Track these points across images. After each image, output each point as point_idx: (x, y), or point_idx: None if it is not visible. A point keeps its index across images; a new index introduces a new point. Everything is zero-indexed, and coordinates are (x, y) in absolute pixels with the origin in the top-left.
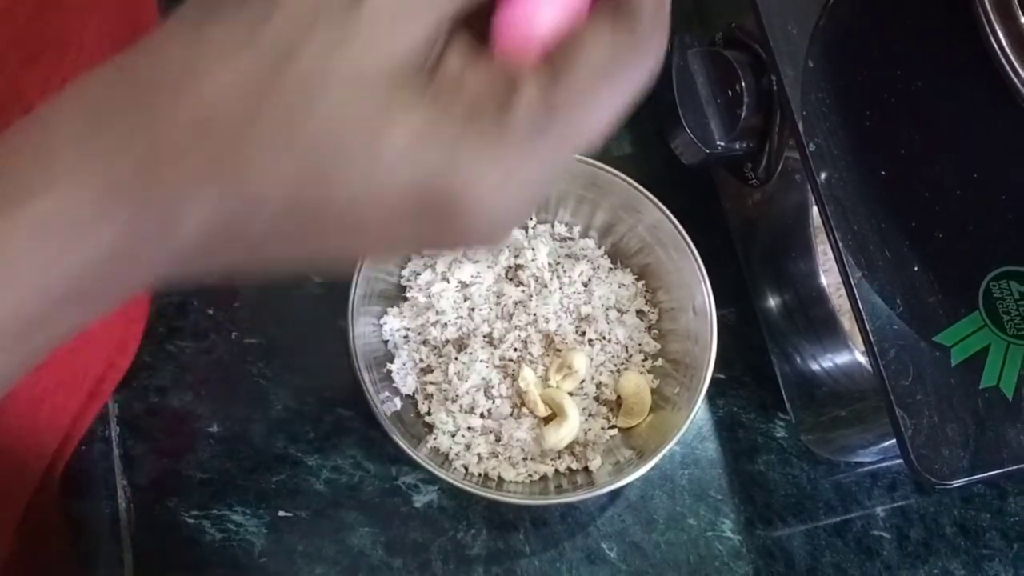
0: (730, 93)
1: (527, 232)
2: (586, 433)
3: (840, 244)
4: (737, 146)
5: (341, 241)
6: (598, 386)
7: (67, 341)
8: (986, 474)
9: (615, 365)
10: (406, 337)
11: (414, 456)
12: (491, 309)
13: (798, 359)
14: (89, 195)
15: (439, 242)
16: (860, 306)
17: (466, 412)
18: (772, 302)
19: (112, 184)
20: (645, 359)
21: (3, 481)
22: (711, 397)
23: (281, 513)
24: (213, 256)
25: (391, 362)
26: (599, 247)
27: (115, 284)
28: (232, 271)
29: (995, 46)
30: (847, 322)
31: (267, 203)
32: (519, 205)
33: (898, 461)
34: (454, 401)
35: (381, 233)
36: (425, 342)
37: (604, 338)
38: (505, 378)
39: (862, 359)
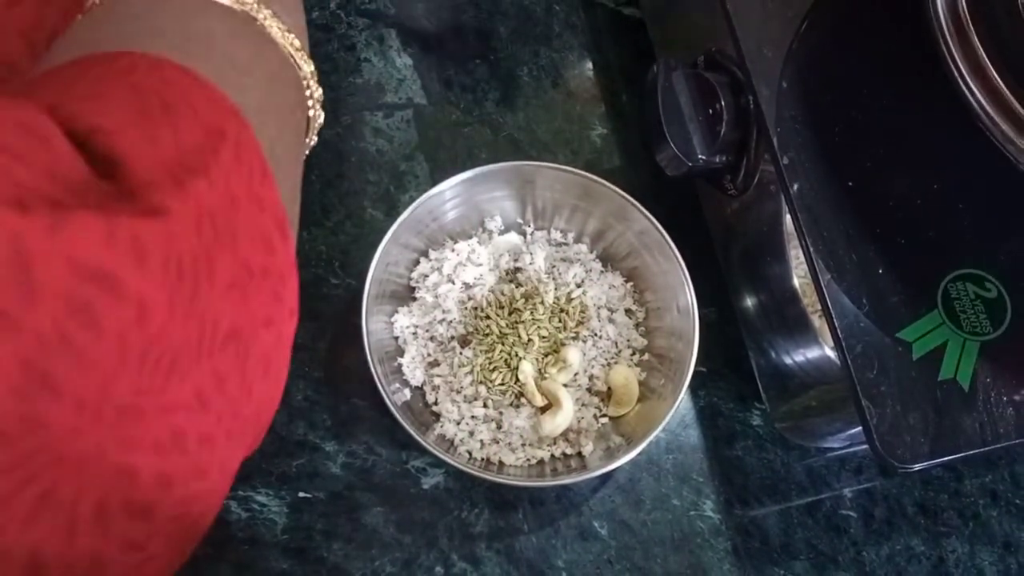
0: (711, 111)
1: (526, 238)
2: (579, 421)
3: (811, 249)
4: (717, 159)
5: None
6: (590, 378)
7: None
8: (944, 459)
9: (606, 359)
10: (415, 333)
11: (422, 442)
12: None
13: (773, 354)
14: None
15: None
16: (829, 305)
17: (470, 402)
18: (749, 302)
19: None
20: (633, 354)
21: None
22: (693, 388)
23: (301, 494)
24: None
25: (401, 356)
26: (591, 252)
27: None
28: None
29: (952, 67)
30: (817, 320)
31: None
32: None
33: (864, 447)
34: (459, 392)
35: None
36: (432, 338)
37: (596, 335)
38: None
39: (831, 354)
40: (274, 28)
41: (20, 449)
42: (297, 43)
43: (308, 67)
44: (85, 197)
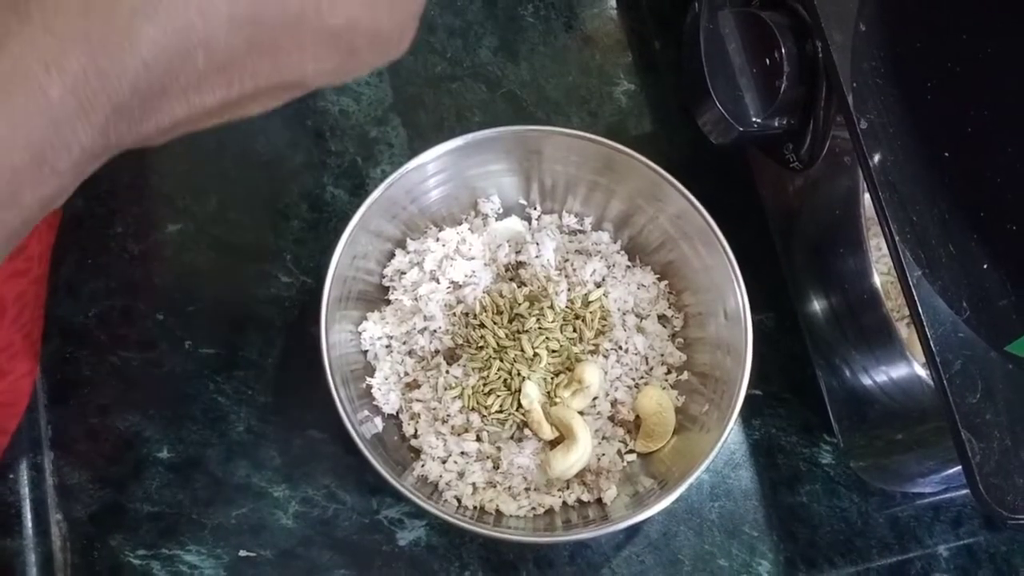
0: (767, 61)
1: (531, 224)
2: (599, 459)
3: (896, 237)
4: (776, 123)
5: (285, 59)
6: (613, 404)
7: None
8: None
9: (633, 379)
10: (389, 347)
11: (398, 486)
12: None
13: (847, 372)
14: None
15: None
16: (920, 310)
17: (459, 435)
18: (817, 306)
19: (57, 33)
20: (668, 372)
21: None
22: (745, 417)
23: (242, 553)
24: (165, 100)
25: (371, 376)
26: (615, 241)
27: (69, 149)
28: (184, 125)
29: None
30: (904, 329)
31: (217, 15)
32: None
33: (964, 492)
34: (444, 422)
35: (318, 51)
36: (411, 353)
37: (620, 348)
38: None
39: (922, 372)
40: None
41: None
42: None
43: None
44: None
